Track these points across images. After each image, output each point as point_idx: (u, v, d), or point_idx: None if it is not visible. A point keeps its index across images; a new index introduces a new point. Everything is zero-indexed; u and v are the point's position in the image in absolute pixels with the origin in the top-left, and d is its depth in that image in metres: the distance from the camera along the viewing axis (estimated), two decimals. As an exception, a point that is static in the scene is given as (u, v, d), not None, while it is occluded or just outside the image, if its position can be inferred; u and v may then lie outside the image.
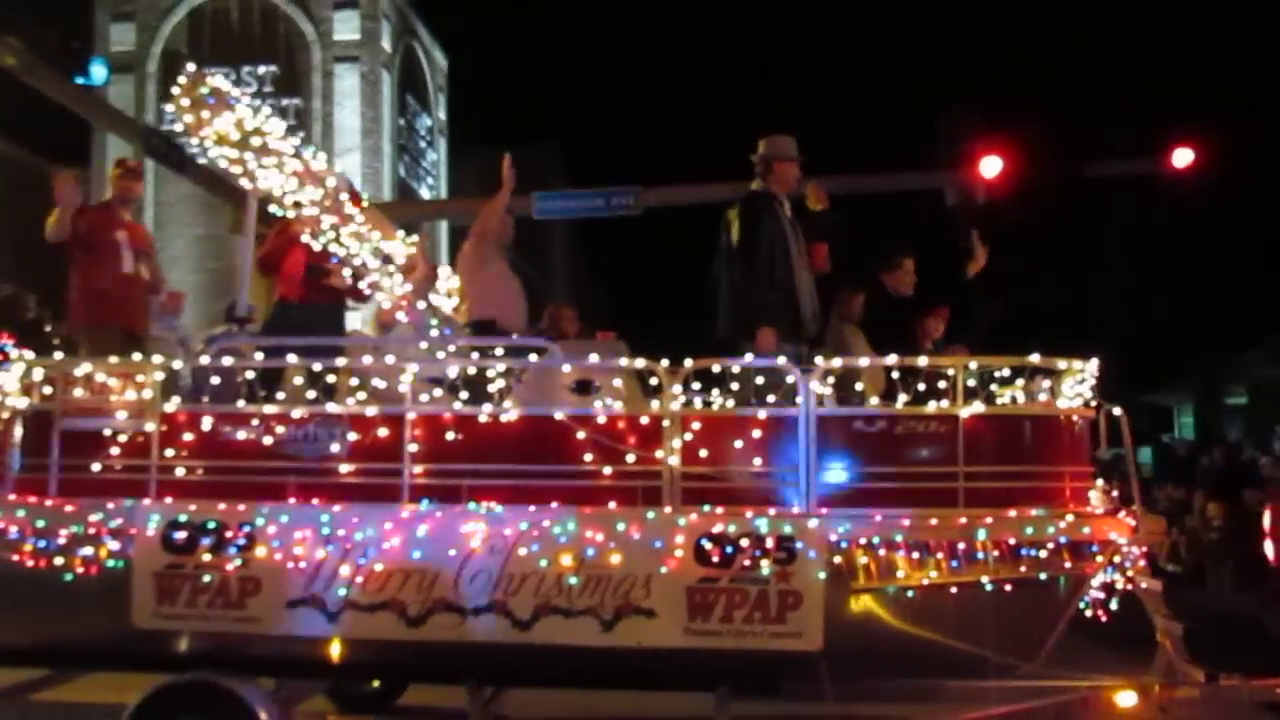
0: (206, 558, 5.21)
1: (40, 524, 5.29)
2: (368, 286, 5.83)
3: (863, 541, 4.98)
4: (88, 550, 5.26)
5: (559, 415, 5.22)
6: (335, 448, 5.31)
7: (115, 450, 5.38)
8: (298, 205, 5.65)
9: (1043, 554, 4.97)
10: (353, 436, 5.28)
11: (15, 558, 5.29)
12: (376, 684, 6.83)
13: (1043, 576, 5.00)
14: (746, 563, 5.00)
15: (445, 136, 35.65)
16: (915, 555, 4.97)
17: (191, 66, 5.63)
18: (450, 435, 5.25)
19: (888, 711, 6.00)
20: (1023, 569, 4.97)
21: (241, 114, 5.55)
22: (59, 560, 5.27)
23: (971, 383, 5.17)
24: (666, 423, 5.14)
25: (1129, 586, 5.54)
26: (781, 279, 6.15)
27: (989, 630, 5.06)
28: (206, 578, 5.21)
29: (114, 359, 5.49)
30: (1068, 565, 5.02)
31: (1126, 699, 5.66)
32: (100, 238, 6.44)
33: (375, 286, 5.79)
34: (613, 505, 5.12)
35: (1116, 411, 5.26)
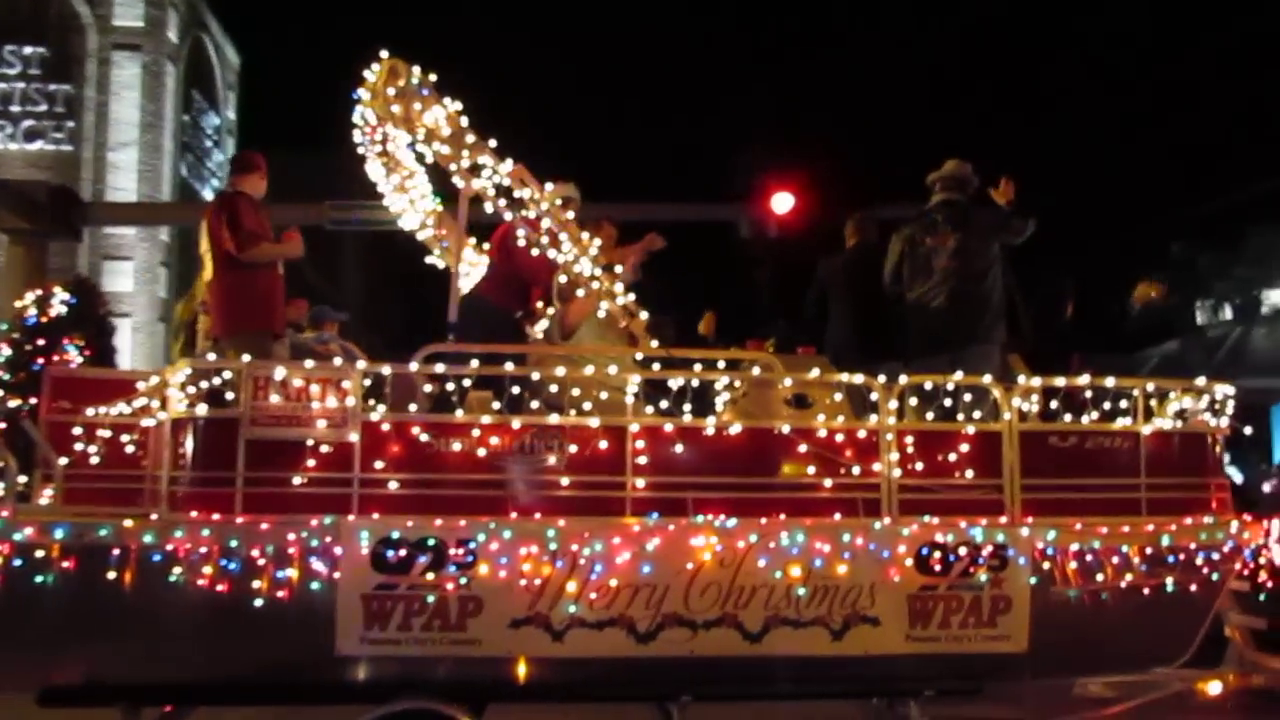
0: (427, 577, 4.99)
1: (232, 543, 4.88)
2: (585, 295, 5.73)
3: (1067, 548, 5.44)
4: (285, 572, 4.91)
5: (785, 429, 5.36)
6: (552, 460, 5.21)
7: (311, 462, 5.03)
8: (517, 206, 5.48)
9: (1216, 556, 5.60)
10: (572, 449, 5.21)
11: (198, 581, 4.85)
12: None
13: (1215, 577, 5.64)
14: (969, 570, 5.34)
15: (234, 137, 33.84)
16: (1113, 560, 5.47)
17: (385, 54, 5.36)
18: (672, 447, 5.28)
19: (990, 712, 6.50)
20: (1204, 570, 5.58)
21: (453, 107, 5.34)
22: (250, 583, 4.88)
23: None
24: (889, 436, 5.40)
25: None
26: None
27: (1166, 628, 5.66)
28: (428, 598, 4.99)
29: (310, 363, 5.13)
30: (1236, 567, 5.69)
31: (1214, 689, 6.43)
32: (262, 237, 5.95)
33: (600, 295, 5.69)
34: (838, 516, 5.33)
35: (1247, 431, 6.01)
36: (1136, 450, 5.64)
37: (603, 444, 5.23)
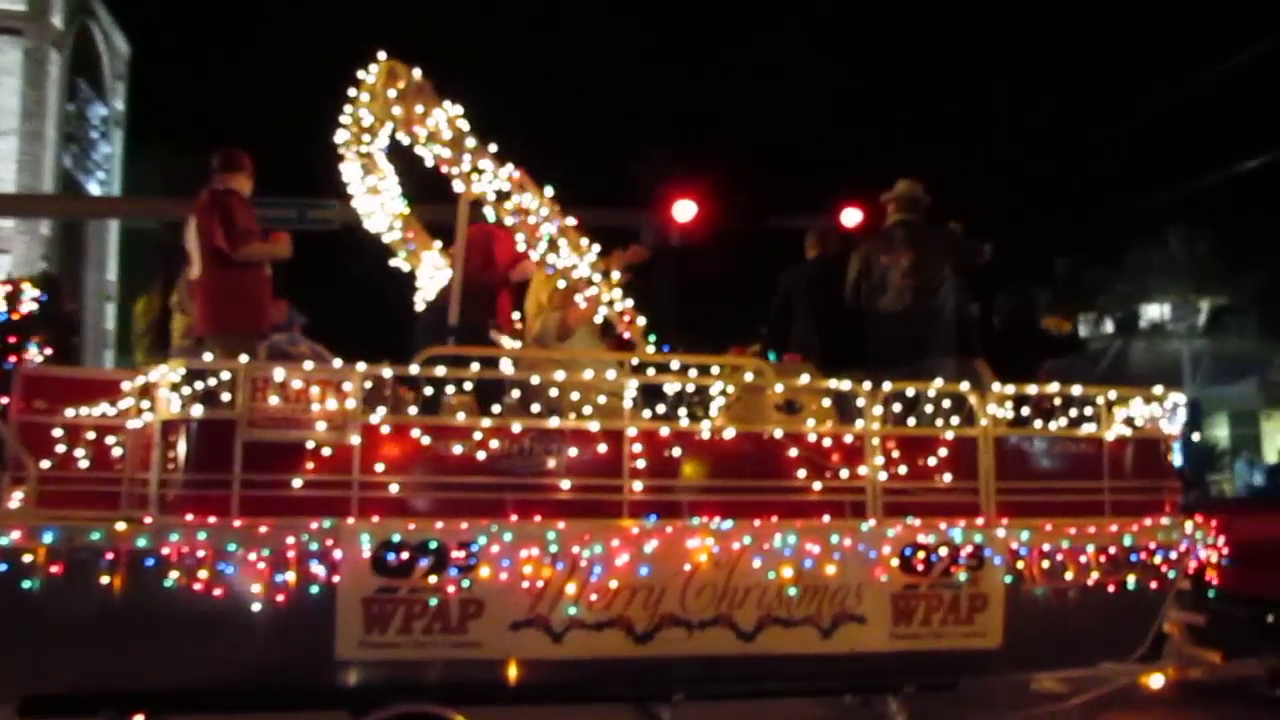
0: (427, 580, 5.00)
1: (230, 547, 4.82)
2: (585, 301, 5.78)
3: (1039, 547, 5.75)
4: (283, 576, 4.87)
5: (778, 433, 5.54)
6: (551, 463, 5.29)
7: (310, 464, 5.01)
8: (519, 212, 5.51)
9: (1174, 555, 5.98)
10: (571, 452, 5.30)
11: (193, 586, 4.78)
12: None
13: (1171, 575, 6.01)
14: (949, 569, 5.60)
15: (123, 129, 32.59)
16: (1080, 559, 5.79)
17: (383, 55, 5.36)
18: (666, 451, 5.41)
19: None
20: (1163, 569, 5.94)
21: (454, 111, 5.37)
22: (247, 588, 4.83)
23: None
24: (875, 441, 5.63)
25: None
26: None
27: (1126, 623, 6.01)
28: (429, 601, 5.00)
29: (308, 364, 5.09)
30: (1192, 565, 6.08)
31: (1156, 682, 6.84)
32: (256, 236, 5.81)
33: (595, 301, 5.76)
34: (827, 519, 5.53)
35: (1196, 437, 6.42)
36: (1100, 455, 6.00)
37: (601, 447, 5.33)
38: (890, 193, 7.71)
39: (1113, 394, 6.07)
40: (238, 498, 4.92)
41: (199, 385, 4.93)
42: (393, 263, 7.18)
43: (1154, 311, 33.38)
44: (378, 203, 6.71)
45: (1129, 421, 6.20)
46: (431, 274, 7.13)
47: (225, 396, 4.94)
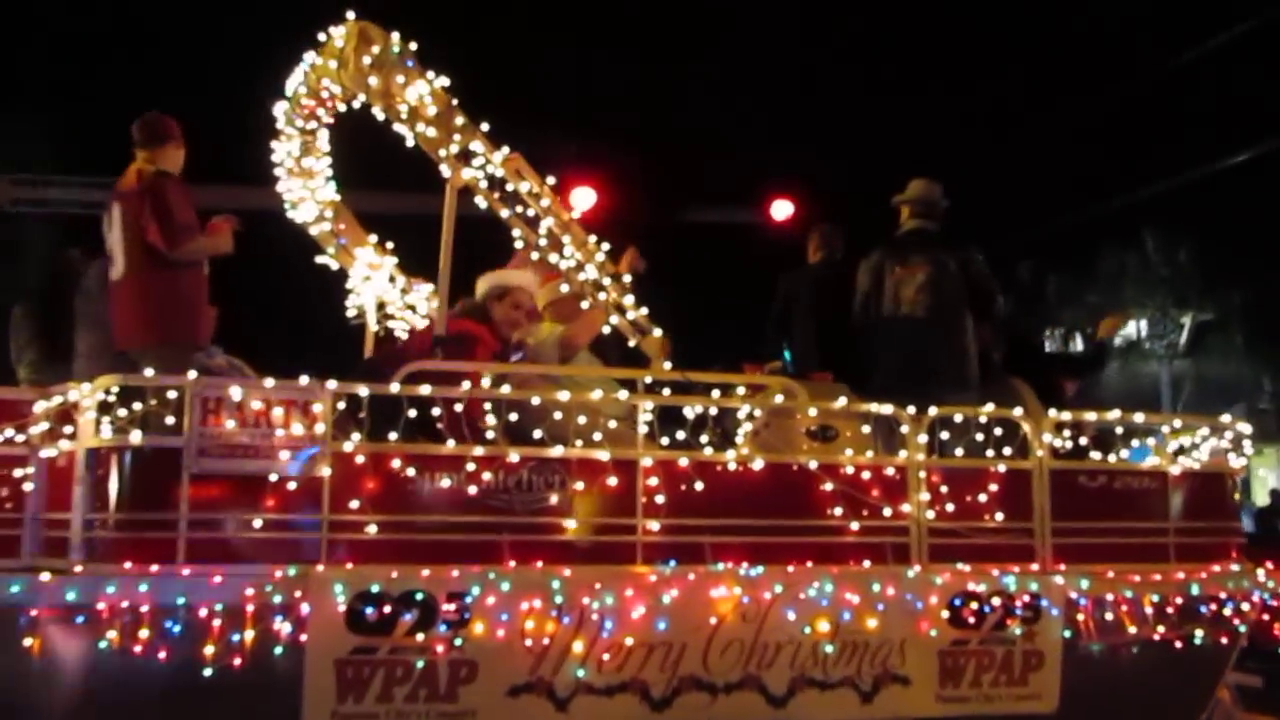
0: (412, 638, 4.40)
1: (177, 600, 4.18)
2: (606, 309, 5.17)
3: (1101, 598, 5.25)
4: (241, 634, 4.23)
5: (812, 464, 5.00)
6: (554, 499, 4.72)
7: (272, 501, 4.39)
8: (513, 201, 4.92)
9: (1246, 606, 5.52)
10: (578, 486, 4.73)
11: (133, 648, 4.13)
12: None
13: (1241, 629, 5.55)
14: (1003, 622, 5.09)
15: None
16: (1146, 610, 5.31)
17: (351, 15, 4.74)
18: (686, 485, 4.86)
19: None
20: (1233, 621, 5.48)
21: (439, 84, 4.77)
22: (199, 649, 4.18)
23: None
24: (922, 474, 5.11)
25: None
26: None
27: (1191, 684, 5.54)
28: (414, 663, 4.40)
29: (270, 381, 4.46)
30: (1265, 618, 5.62)
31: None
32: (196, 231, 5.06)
33: (617, 307, 5.17)
34: (868, 564, 5.01)
35: (1261, 472, 5.99)
36: (1163, 491, 5.53)
37: (611, 480, 4.78)
38: (903, 195, 7.05)
39: (1177, 422, 5.61)
40: (185, 541, 4.29)
41: (136, 406, 4.30)
42: (320, 260, 6.44)
43: (1129, 327, 32.84)
44: (306, 189, 5.99)
45: (1181, 452, 5.76)
46: (365, 273, 6.43)
47: (168, 420, 4.31)
